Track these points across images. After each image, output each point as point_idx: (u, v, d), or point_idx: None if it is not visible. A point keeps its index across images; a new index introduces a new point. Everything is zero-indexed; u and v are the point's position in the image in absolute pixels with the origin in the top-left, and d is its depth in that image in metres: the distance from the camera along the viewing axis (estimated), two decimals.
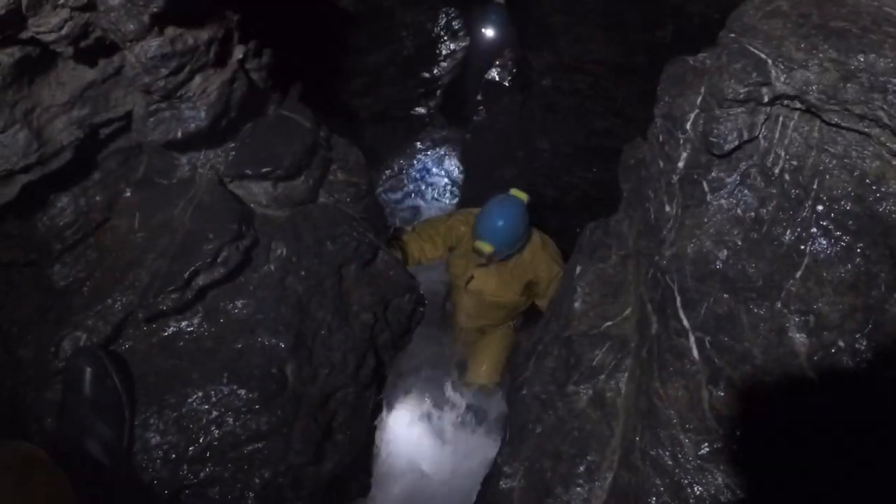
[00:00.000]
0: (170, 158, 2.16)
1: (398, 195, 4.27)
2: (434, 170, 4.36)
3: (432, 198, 4.45)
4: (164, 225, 2.09)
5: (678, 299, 1.52)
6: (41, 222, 2.07)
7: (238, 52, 2.06)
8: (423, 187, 4.40)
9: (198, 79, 1.97)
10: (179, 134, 2.00)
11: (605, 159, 3.94)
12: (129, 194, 2.18)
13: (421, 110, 3.99)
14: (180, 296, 1.98)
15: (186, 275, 1.97)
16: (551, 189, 4.21)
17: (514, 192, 3.69)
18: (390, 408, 2.60)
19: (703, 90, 1.62)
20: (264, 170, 2.17)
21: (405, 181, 4.30)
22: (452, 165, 4.39)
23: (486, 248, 3.49)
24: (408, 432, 3.31)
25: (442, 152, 4.30)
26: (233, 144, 2.19)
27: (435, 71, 3.79)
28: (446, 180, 4.41)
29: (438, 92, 3.92)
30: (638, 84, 3.70)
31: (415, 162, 4.28)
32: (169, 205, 2.12)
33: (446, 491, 3.10)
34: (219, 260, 2.01)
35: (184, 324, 2.08)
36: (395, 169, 4.18)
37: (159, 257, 2.02)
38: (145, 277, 2.01)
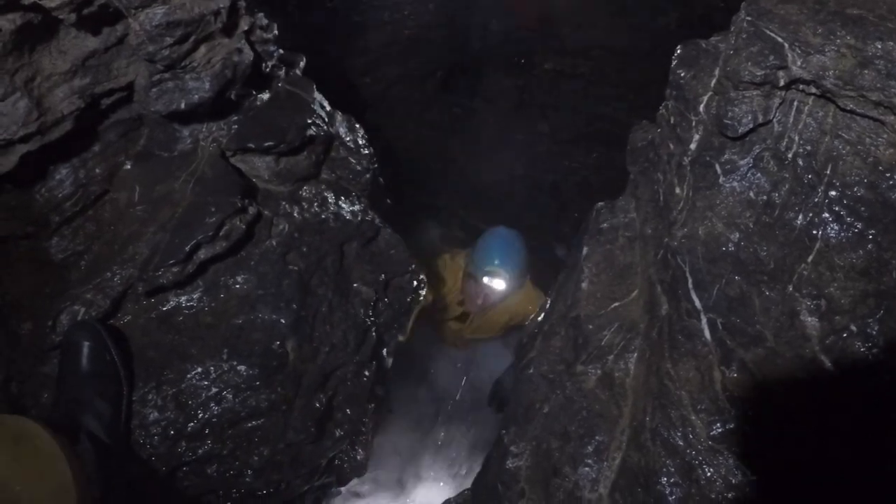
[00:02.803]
0: (171, 131, 2.13)
1: (394, 176, 4.24)
2: (432, 152, 4.32)
3: (430, 180, 4.43)
4: (164, 198, 2.06)
5: (690, 280, 1.51)
6: (39, 194, 2.04)
7: (244, 24, 2.03)
8: (421, 169, 4.36)
9: (202, 49, 1.94)
10: (183, 105, 1.98)
11: (605, 145, 3.94)
12: (129, 167, 2.15)
13: (421, 91, 3.95)
14: (181, 269, 1.96)
15: (188, 248, 1.94)
16: (550, 174, 4.20)
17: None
18: (389, 388, 2.59)
19: (717, 73, 1.61)
20: (267, 144, 2.14)
21: (402, 163, 4.27)
22: (450, 148, 4.35)
23: (498, 274, 3.33)
24: (405, 413, 3.29)
25: (440, 134, 4.27)
26: (236, 118, 2.16)
27: (436, 52, 3.76)
28: (444, 163, 4.37)
29: (439, 73, 3.89)
30: (641, 70, 3.69)
31: (412, 143, 4.25)
32: (170, 177, 2.09)
33: (443, 472, 3.11)
34: (221, 233, 1.98)
35: (183, 298, 2.05)
36: (393, 150, 4.16)
37: (160, 230, 1.99)
38: (145, 250, 1.99)
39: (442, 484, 3.06)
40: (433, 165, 4.31)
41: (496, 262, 3.40)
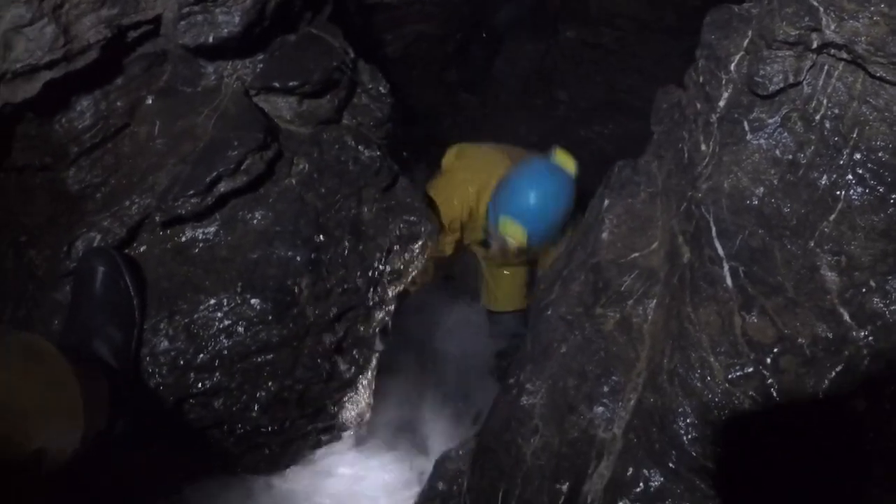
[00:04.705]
0: (196, 66, 2.13)
1: (409, 133, 4.21)
2: (449, 112, 4.30)
3: (444, 138, 4.40)
4: (186, 132, 2.06)
5: (714, 229, 1.54)
6: (59, 124, 2.04)
7: None
8: (436, 129, 4.34)
9: None
10: (211, 38, 1.98)
11: (623, 116, 3.93)
12: (150, 101, 2.15)
13: (441, 51, 3.94)
14: (200, 201, 1.96)
15: (208, 180, 1.95)
16: (566, 142, 4.17)
17: (561, 156, 2.87)
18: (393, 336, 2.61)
19: (750, 33, 1.63)
20: (292, 84, 2.14)
21: (419, 121, 4.24)
22: (467, 110, 4.34)
23: (517, 233, 2.66)
24: (405, 365, 3.28)
25: (458, 96, 4.25)
26: (261, 56, 2.16)
27: (459, 12, 3.74)
28: (460, 125, 4.35)
29: (460, 35, 3.88)
30: (665, 44, 3.67)
31: (430, 102, 4.23)
32: (192, 112, 2.09)
33: (443, 424, 3.13)
34: (242, 167, 1.98)
35: (200, 231, 2.06)
36: (410, 107, 4.13)
37: (180, 162, 2.00)
38: (164, 181, 2.00)
39: (442, 434, 3.08)
40: (449, 126, 4.30)
41: (512, 213, 2.71)
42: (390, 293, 2.29)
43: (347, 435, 2.50)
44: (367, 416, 2.46)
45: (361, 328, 2.24)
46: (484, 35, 3.99)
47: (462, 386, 3.44)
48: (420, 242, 2.29)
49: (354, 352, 2.23)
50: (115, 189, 2.09)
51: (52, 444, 1.48)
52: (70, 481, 1.69)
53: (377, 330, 2.28)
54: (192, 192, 1.95)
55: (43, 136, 2.04)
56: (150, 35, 2.07)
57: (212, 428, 2.10)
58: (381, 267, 2.20)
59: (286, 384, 2.07)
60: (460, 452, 2.14)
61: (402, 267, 2.26)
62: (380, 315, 2.25)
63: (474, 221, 3.07)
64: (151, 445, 2.04)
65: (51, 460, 1.49)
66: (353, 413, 2.36)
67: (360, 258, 2.17)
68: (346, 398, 2.28)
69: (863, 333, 1.33)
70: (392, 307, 2.38)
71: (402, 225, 2.25)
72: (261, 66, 2.16)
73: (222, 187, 1.99)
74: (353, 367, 2.23)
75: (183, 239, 2.06)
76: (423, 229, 2.30)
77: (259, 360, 2.04)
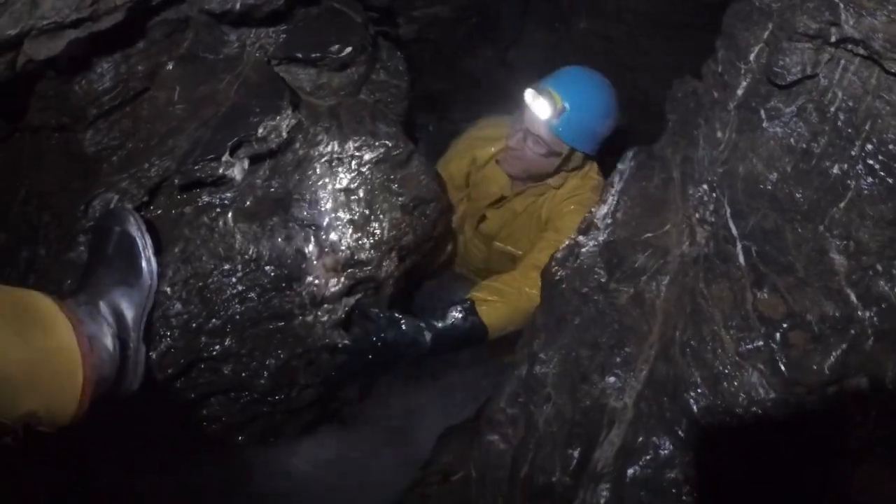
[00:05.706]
0: (218, 34, 2.15)
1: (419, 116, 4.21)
2: (458, 99, 4.31)
3: (454, 122, 4.40)
4: (207, 97, 2.08)
5: (728, 210, 1.60)
6: (79, 85, 2.04)
7: None
8: (446, 111, 4.34)
9: None
10: (238, 6, 2.01)
11: (630, 110, 3.93)
12: (170, 67, 2.16)
13: (453, 36, 3.94)
14: (219, 165, 1.99)
15: (230, 144, 1.97)
16: None
17: None
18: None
19: (770, 26, 1.67)
20: (314, 55, 2.19)
21: (427, 103, 4.24)
22: (476, 96, 4.34)
23: (551, 95, 2.40)
24: None
25: (468, 82, 4.26)
26: (285, 27, 2.19)
27: None
28: (471, 107, 4.35)
29: (474, 20, 3.88)
30: (674, 42, 3.67)
31: (441, 89, 4.23)
32: (214, 79, 2.11)
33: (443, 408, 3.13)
34: (263, 134, 2.02)
35: (217, 196, 2.08)
36: (420, 89, 4.13)
37: (202, 126, 2.02)
38: (185, 145, 2.02)
39: (442, 416, 3.08)
40: (460, 110, 4.29)
41: (550, 83, 2.52)
42: (402, 269, 2.32)
43: (350, 409, 2.52)
44: (371, 391, 2.49)
45: (373, 301, 2.27)
46: (496, 22, 3.99)
47: (461, 368, 3.45)
48: (431, 219, 2.33)
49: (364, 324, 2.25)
50: (132, 152, 2.10)
51: (44, 407, 1.46)
52: (67, 445, 1.66)
53: (387, 305, 2.32)
54: (212, 156, 1.97)
55: (61, 97, 2.04)
56: (174, 0, 2.08)
57: (218, 394, 2.12)
58: (392, 241, 2.23)
59: (296, 353, 2.10)
60: (465, 427, 2.17)
61: (413, 243, 2.29)
62: (389, 290, 2.28)
63: (479, 181, 2.90)
64: (154, 411, 2.04)
65: (45, 423, 1.47)
66: (356, 387, 2.39)
67: (372, 232, 2.21)
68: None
69: (868, 314, 1.40)
70: (402, 283, 2.41)
71: (414, 201, 2.28)
72: (284, 36, 2.19)
73: (242, 153, 2.01)
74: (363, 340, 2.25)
75: (200, 204, 2.08)
76: (434, 206, 2.34)
77: (271, 327, 2.07)
